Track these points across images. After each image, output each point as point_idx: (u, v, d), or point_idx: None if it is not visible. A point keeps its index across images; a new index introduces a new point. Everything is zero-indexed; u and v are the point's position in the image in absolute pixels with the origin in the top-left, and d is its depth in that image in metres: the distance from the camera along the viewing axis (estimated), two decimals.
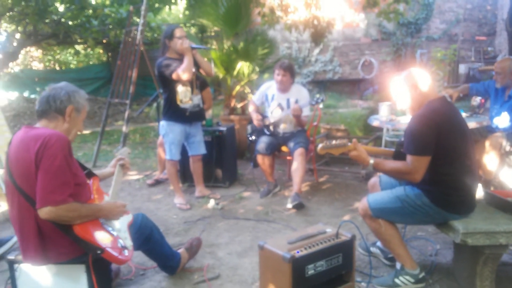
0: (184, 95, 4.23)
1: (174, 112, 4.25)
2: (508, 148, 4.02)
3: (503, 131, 4.12)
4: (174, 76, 4.07)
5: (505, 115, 4.19)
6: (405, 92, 2.62)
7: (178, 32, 4.14)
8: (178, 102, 4.22)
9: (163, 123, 4.38)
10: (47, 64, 16.26)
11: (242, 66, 6.28)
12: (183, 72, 4.02)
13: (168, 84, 4.19)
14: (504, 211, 2.59)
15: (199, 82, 4.46)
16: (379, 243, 3.11)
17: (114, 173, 2.68)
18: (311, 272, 2.30)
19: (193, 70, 4.21)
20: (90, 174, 2.54)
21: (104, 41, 12.56)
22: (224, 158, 4.95)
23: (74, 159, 2.28)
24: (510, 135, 4.04)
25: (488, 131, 4.30)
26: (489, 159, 4.04)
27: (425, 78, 2.59)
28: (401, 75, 2.66)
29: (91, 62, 16.56)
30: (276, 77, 4.57)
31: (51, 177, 2.06)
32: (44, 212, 2.03)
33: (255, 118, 4.71)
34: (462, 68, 11.53)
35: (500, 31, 12.28)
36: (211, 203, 4.33)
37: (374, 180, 3.04)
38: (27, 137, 2.16)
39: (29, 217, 2.15)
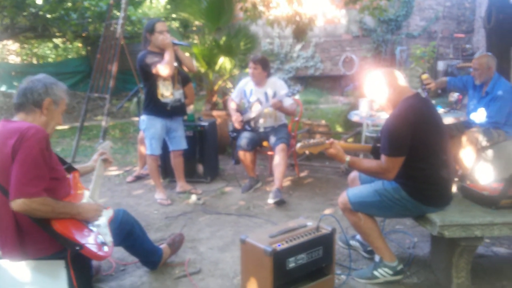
0: (166, 89, 4.20)
1: (155, 106, 4.22)
2: (484, 143, 4.11)
3: (480, 126, 4.21)
4: (154, 71, 4.04)
5: (481, 110, 4.27)
6: (380, 91, 2.65)
7: (159, 26, 4.10)
8: (159, 96, 4.19)
9: (143, 117, 4.34)
10: (24, 57, 15.93)
11: (224, 61, 6.27)
12: (164, 68, 3.99)
13: (150, 78, 4.15)
14: (479, 204, 2.65)
15: (181, 77, 4.44)
16: (358, 237, 3.15)
17: (96, 167, 2.64)
18: (292, 265, 2.33)
19: (175, 64, 4.19)
20: (71, 169, 2.51)
21: (84, 34, 12.36)
22: (205, 153, 4.94)
23: (53, 153, 2.25)
24: (486, 130, 4.12)
25: (465, 126, 4.38)
26: (466, 154, 4.12)
27: (399, 77, 2.64)
28: (374, 74, 2.69)
29: (69, 56, 16.28)
30: (249, 71, 4.61)
31: (26, 170, 2.03)
32: (17, 204, 2.00)
33: (235, 119, 4.71)
34: (441, 65, 11.73)
35: (478, 28, 12.52)
36: (193, 198, 4.32)
37: (353, 174, 3.08)
38: (4, 131, 2.14)
39: (7, 212, 2.12)
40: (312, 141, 2.73)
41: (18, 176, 2.02)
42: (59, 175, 2.27)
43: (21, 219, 2.12)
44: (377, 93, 2.67)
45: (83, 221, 2.26)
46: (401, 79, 2.64)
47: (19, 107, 2.25)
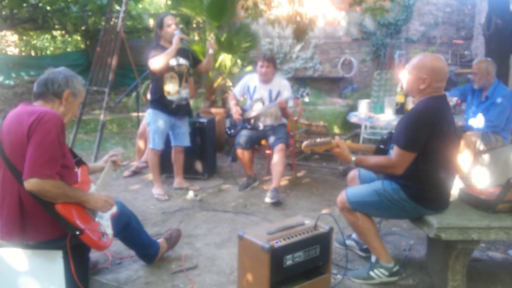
0: (172, 87, 4.19)
1: (160, 102, 4.21)
2: (481, 147, 4.13)
3: (478, 130, 4.23)
4: (148, 64, 4.05)
5: (480, 116, 4.30)
6: (417, 77, 2.55)
7: (167, 20, 4.15)
8: (166, 94, 4.18)
9: (149, 111, 4.34)
10: (23, 49, 15.87)
11: (224, 59, 6.27)
12: (155, 61, 4.01)
13: (156, 73, 4.14)
14: (476, 208, 2.67)
15: (188, 75, 4.43)
16: (354, 235, 3.17)
17: (105, 167, 2.68)
18: (289, 262, 2.33)
19: (184, 63, 4.19)
20: (80, 162, 2.52)
21: (83, 28, 12.32)
22: (203, 150, 4.93)
23: (65, 143, 2.27)
24: (484, 134, 4.14)
25: (463, 131, 4.40)
26: (463, 158, 4.14)
27: (442, 78, 2.55)
28: (426, 61, 2.55)
29: (68, 49, 16.24)
30: (259, 69, 4.58)
31: (42, 151, 2.06)
32: (30, 183, 2.02)
33: (234, 112, 4.70)
34: None
35: (477, 35, 12.58)
36: (190, 194, 4.32)
37: (353, 173, 3.08)
38: (22, 111, 2.18)
39: (12, 191, 2.13)
40: (318, 140, 2.74)
41: (34, 157, 2.05)
42: (68, 163, 2.30)
43: (25, 199, 2.13)
44: (413, 74, 2.58)
45: (87, 211, 2.26)
46: (442, 81, 2.54)
47: (39, 96, 2.30)
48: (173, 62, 4.13)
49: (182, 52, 4.19)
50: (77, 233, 2.09)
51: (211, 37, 6.23)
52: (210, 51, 4.33)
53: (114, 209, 2.52)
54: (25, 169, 2.04)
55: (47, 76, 2.32)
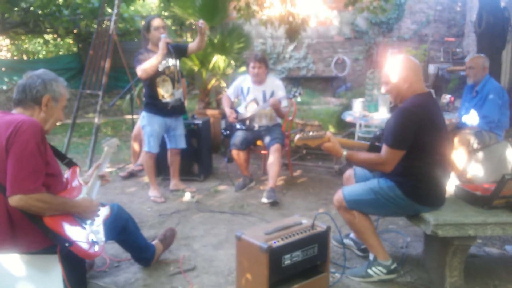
0: (166, 91, 4.17)
1: (155, 105, 4.20)
2: (475, 145, 4.16)
3: (472, 128, 4.26)
4: (136, 71, 4.03)
5: (473, 112, 4.33)
6: (396, 80, 2.61)
7: (154, 23, 4.08)
8: (160, 98, 4.16)
9: (143, 114, 4.31)
10: (15, 53, 15.76)
11: (218, 60, 6.26)
12: (142, 68, 3.98)
13: (146, 79, 4.13)
14: (472, 204, 2.68)
15: (180, 75, 4.41)
16: (352, 235, 3.18)
17: (89, 182, 2.53)
18: (287, 262, 2.34)
19: (173, 63, 4.17)
20: (71, 164, 2.48)
21: (75, 31, 12.26)
22: (199, 151, 4.92)
23: (49, 148, 2.21)
24: (478, 133, 4.17)
25: (457, 128, 4.43)
26: (458, 155, 4.17)
27: (419, 74, 2.60)
28: (400, 61, 2.62)
29: (60, 53, 16.14)
30: (251, 70, 4.57)
31: (23, 165, 1.99)
32: (14, 200, 1.98)
33: (229, 114, 4.70)
34: (432, 68, 11.81)
35: (468, 32, 12.66)
36: (187, 196, 4.31)
37: (349, 172, 3.09)
38: (0, 121, 2.10)
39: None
40: (311, 133, 2.74)
41: (15, 172, 1.98)
42: (53, 171, 2.22)
43: (13, 211, 2.09)
44: (392, 80, 2.62)
45: (76, 218, 2.24)
46: (420, 77, 2.61)
47: (18, 103, 2.22)
48: (162, 66, 4.11)
49: (169, 53, 4.14)
50: (67, 245, 2.07)
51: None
52: (207, 31, 4.19)
53: (107, 212, 2.49)
54: (8, 186, 1.98)
55: (25, 82, 2.21)
